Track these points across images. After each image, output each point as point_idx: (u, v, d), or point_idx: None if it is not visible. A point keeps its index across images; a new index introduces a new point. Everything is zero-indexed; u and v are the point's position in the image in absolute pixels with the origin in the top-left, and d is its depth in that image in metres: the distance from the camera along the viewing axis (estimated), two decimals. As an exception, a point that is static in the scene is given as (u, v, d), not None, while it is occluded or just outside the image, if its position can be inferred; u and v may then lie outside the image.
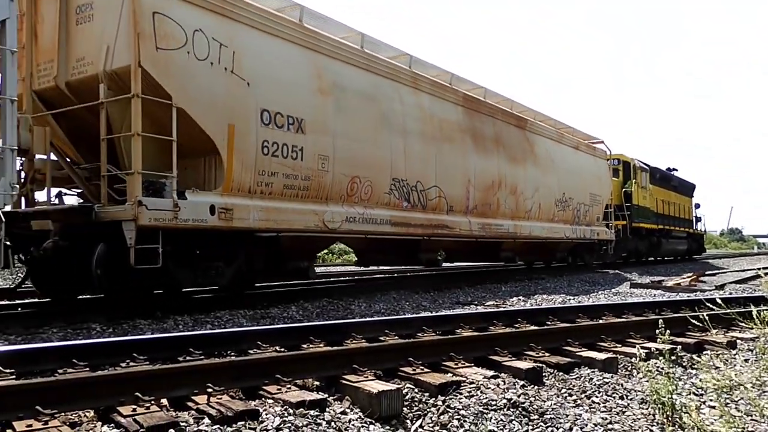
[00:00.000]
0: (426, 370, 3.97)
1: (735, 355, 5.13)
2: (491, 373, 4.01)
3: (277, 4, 8.32)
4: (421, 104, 10.50)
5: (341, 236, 9.25)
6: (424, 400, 3.44)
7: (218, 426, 2.84)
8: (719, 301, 3.27)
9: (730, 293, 10.81)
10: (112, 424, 2.86)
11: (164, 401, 3.18)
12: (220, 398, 3.17)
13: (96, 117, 6.61)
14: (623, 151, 21.58)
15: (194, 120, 6.77)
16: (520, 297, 10.26)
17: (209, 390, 3.20)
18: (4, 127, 5.90)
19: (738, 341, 5.49)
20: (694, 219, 29.75)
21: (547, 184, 14.38)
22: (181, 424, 2.81)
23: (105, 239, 6.41)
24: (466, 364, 4.21)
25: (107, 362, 3.83)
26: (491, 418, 3.28)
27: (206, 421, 2.90)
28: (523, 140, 13.80)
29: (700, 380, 4.26)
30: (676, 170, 27.81)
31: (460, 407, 3.36)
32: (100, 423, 2.91)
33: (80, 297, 7.84)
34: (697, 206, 30.42)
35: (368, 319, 6.20)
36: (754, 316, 2.60)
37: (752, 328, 2.76)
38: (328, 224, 8.33)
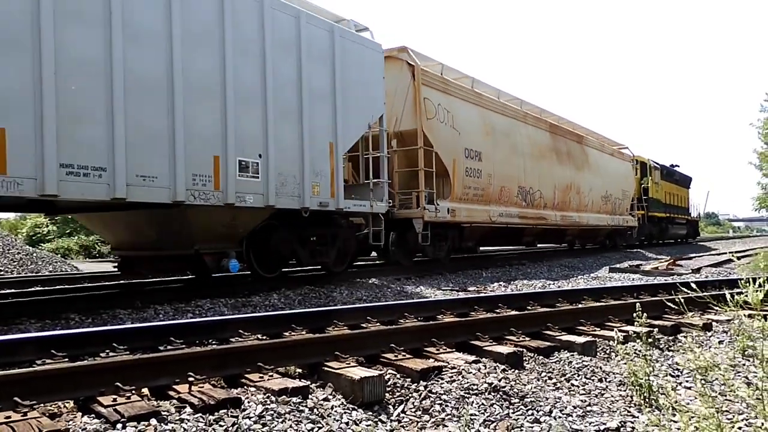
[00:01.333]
0: (408, 356, 3.99)
1: (710, 336, 5.23)
2: (472, 358, 4.04)
3: (455, 75, 13.01)
4: (529, 134, 15.35)
5: (496, 226, 13.57)
6: (406, 385, 3.46)
7: (200, 414, 2.83)
8: (694, 285, 3.32)
9: (706, 276, 11.02)
10: (92, 415, 2.83)
11: (145, 391, 3.17)
12: (202, 387, 3.16)
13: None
14: (640, 153, 25.71)
15: (441, 158, 11.52)
16: (501, 282, 10.35)
17: (191, 379, 3.18)
18: (383, 170, 10.02)
19: (713, 323, 5.61)
20: (690, 207, 34.49)
21: (596, 184, 19.04)
22: (163, 413, 2.79)
23: (394, 229, 10.98)
24: (448, 350, 4.24)
25: (86, 353, 3.79)
26: (473, 402, 3.31)
27: (188, 409, 2.89)
28: (582, 152, 18.59)
29: (677, 362, 4.35)
30: (678, 166, 32.29)
31: (442, 392, 3.39)
32: (80, 413, 2.89)
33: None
34: None
35: (350, 306, 6.20)
36: (728, 300, 2.65)
37: (726, 311, 2.82)
38: (492, 218, 13.12)
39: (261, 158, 7.63)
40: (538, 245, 18.37)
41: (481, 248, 15.34)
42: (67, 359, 3.55)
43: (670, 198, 29.00)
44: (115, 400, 2.89)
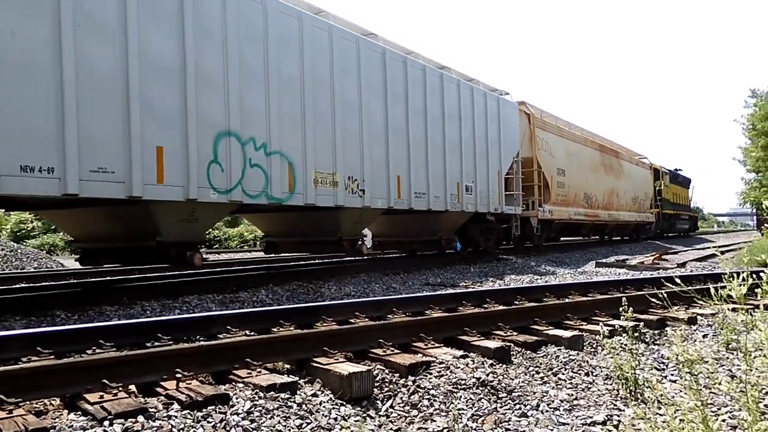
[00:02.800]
0: (396, 351, 4.00)
1: (695, 330, 5.29)
2: (460, 353, 4.06)
3: (545, 115, 18.25)
4: (588, 153, 20.84)
5: (571, 222, 18.82)
6: (394, 380, 3.47)
7: (188, 411, 2.82)
8: (677, 280, 3.35)
9: (691, 271, 11.13)
10: (78, 412, 2.81)
11: (132, 387, 3.15)
12: (190, 383, 3.15)
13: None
14: (654, 161, 31.01)
15: (545, 175, 16.61)
16: (489, 277, 10.39)
17: (178, 375, 3.17)
18: (518, 185, 14.98)
19: (698, 317, 5.67)
20: (690, 205, 41.01)
21: (628, 189, 24.65)
22: (150, 410, 2.78)
23: (518, 223, 15.16)
24: (436, 345, 4.25)
25: (73, 349, 3.76)
26: (461, 397, 3.33)
27: (175, 406, 2.88)
28: (618, 164, 24.00)
29: (662, 356, 4.39)
30: (681, 170, 38.51)
31: (430, 387, 3.40)
32: (66, 411, 2.87)
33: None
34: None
35: (338, 301, 6.21)
36: (712, 294, 2.68)
37: (710, 305, 2.85)
38: (570, 216, 18.33)
39: (473, 183, 13.00)
40: (591, 237, 24.39)
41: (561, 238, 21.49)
42: (53, 356, 3.52)
43: (676, 198, 35.05)
44: (102, 397, 2.88)
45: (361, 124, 9.75)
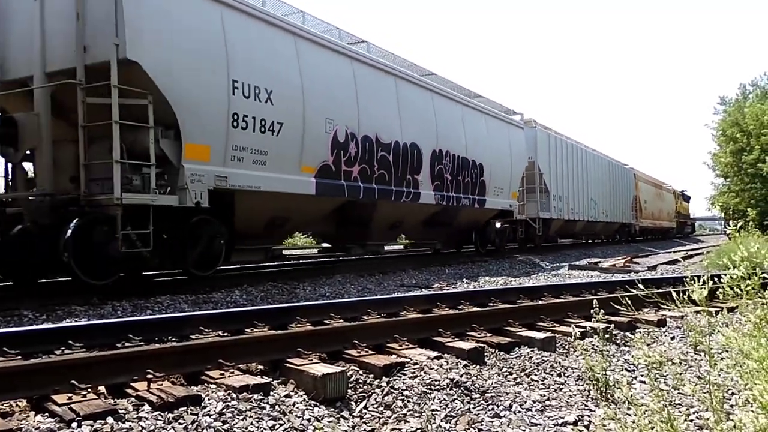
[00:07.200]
0: (371, 352, 4.00)
1: (665, 332, 5.39)
2: (434, 354, 4.07)
3: (638, 172, 35.71)
4: (651, 189, 37.59)
5: (646, 227, 35.54)
6: (368, 381, 3.47)
7: (159, 413, 2.79)
8: (641, 285, 3.41)
9: (662, 274, 11.34)
10: (46, 414, 2.76)
11: (102, 389, 3.10)
12: (161, 384, 3.10)
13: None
14: (675, 187, 47.84)
15: (640, 203, 33.48)
16: (464, 279, 10.45)
17: (149, 376, 3.12)
18: (633, 209, 33.20)
19: (668, 319, 5.78)
20: (689, 214, 58.68)
21: (664, 207, 40.27)
22: (120, 411, 2.74)
23: (633, 227, 34.49)
24: (410, 346, 4.26)
25: (41, 350, 3.69)
26: (434, 397, 3.34)
27: (146, 408, 2.84)
28: (661, 193, 39.90)
29: (632, 357, 4.46)
30: (686, 191, 54.93)
31: (404, 388, 3.41)
32: (33, 412, 2.81)
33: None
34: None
35: (313, 302, 6.19)
36: (675, 298, 2.75)
37: (675, 309, 2.91)
38: (647, 225, 35.24)
39: (626, 208, 29.61)
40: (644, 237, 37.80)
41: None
42: (20, 357, 3.45)
43: (684, 210, 51.08)
44: (70, 398, 2.82)
45: (609, 191, 25.86)
